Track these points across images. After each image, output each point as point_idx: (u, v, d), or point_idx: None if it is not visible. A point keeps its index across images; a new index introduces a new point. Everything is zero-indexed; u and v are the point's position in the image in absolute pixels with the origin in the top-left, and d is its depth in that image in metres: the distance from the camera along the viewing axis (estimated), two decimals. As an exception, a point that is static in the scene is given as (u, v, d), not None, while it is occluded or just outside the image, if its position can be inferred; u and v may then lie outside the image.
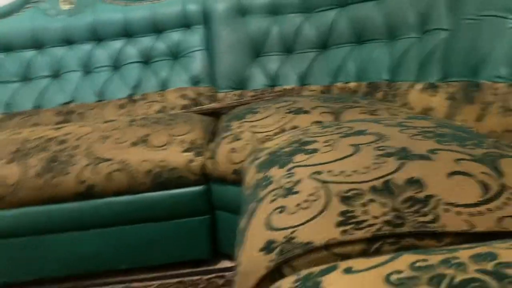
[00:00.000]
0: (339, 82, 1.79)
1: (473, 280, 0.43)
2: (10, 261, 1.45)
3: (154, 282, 1.44)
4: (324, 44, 1.87)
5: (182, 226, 1.45)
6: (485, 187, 0.67)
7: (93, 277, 1.49)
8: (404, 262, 0.50)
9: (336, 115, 1.32)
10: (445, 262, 0.48)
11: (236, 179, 1.36)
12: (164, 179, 1.41)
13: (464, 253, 0.50)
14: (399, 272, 0.47)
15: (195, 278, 1.43)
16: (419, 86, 1.45)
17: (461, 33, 1.32)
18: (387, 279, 0.47)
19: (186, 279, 1.43)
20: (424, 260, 0.49)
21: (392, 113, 1.33)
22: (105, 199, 1.41)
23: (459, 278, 0.44)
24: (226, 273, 1.43)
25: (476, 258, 0.47)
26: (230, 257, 1.54)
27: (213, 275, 1.43)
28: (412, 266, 0.48)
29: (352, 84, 1.76)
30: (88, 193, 1.40)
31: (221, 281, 1.39)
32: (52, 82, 2.02)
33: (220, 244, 1.51)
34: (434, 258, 0.49)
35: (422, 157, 0.76)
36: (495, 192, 0.66)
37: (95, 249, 1.43)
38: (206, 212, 1.46)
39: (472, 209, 0.64)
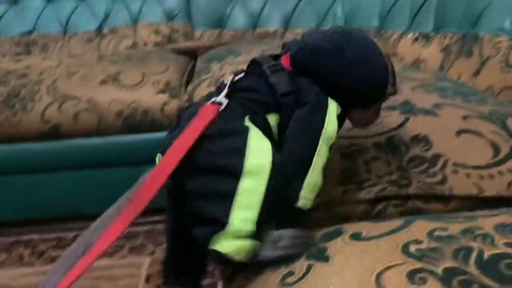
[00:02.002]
0: (326, 27, 1.69)
1: (504, 255, 0.38)
2: (-33, 202, 1.35)
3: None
4: (311, -15, 1.75)
5: (154, 171, 1.38)
6: (496, 147, 0.62)
7: (60, 222, 1.41)
8: (419, 229, 0.45)
9: (323, 61, 1.24)
10: (467, 231, 0.43)
11: (214, 125, 1.28)
12: (136, 121, 1.32)
13: (485, 222, 0.45)
14: (417, 242, 0.42)
15: (167, 225, 1.38)
16: (411, 35, 1.38)
17: (461, -19, 1.24)
18: (405, 249, 0.41)
19: (157, 226, 1.38)
20: (443, 229, 0.44)
21: (383, 62, 1.26)
22: (72, 140, 1.31)
23: (488, 252, 0.39)
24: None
25: (502, 229, 0.43)
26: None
27: (186, 222, 1.39)
28: (431, 235, 0.43)
29: (338, 30, 1.67)
30: (53, 133, 1.29)
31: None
32: (10, 9, 1.82)
33: (194, 191, 1.45)
34: (454, 227, 0.44)
35: (427, 112, 0.70)
36: (506, 154, 0.61)
37: (61, 192, 1.35)
38: (180, 157, 1.39)
39: (482, 171, 0.60)
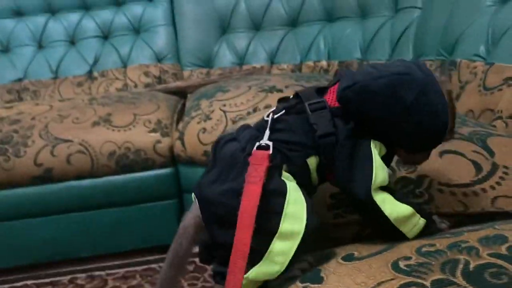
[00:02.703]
0: (310, 61, 1.75)
1: (489, 265, 0.40)
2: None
3: (119, 270, 1.37)
4: (294, 21, 1.81)
5: (148, 210, 1.38)
6: (478, 166, 0.65)
7: (54, 266, 1.40)
8: (408, 247, 0.47)
9: (310, 94, 1.27)
10: (454, 246, 0.45)
11: (206, 160, 1.30)
12: (129, 161, 1.33)
13: (470, 236, 0.47)
14: (406, 258, 0.44)
15: (163, 264, 1.37)
16: (391, 65, 1.43)
17: (436, 11, 1.31)
18: (394, 266, 0.43)
19: (153, 265, 1.37)
20: (430, 245, 0.46)
21: (367, 92, 1.30)
22: (65, 183, 1.32)
23: (474, 263, 0.41)
24: (196, 259, 1.38)
25: (485, 241, 0.45)
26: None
27: (182, 260, 1.38)
28: (419, 252, 0.45)
29: (323, 63, 1.72)
30: (46, 176, 1.30)
31: (191, 267, 1.34)
32: (1, 57, 1.86)
33: (188, 228, 1.45)
34: (441, 242, 0.46)
35: (410, 135, 0.73)
36: (487, 171, 0.64)
37: (55, 236, 1.34)
38: (174, 195, 1.40)
39: (466, 189, 0.62)
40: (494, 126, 0.90)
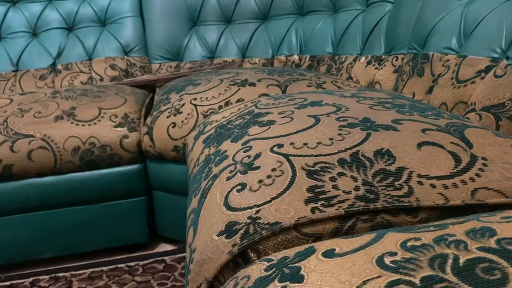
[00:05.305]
0: (282, 55, 1.72)
1: (479, 260, 0.38)
2: None
3: (85, 271, 1.31)
4: (265, 15, 1.78)
5: (116, 208, 1.33)
6: (456, 157, 0.63)
7: (15, 268, 1.33)
8: (392, 241, 0.45)
9: (283, 87, 1.25)
10: (441, 240, 0.42)
11: (176, 156, 1.26)
12: (94, 157, 1.28)
13: (456, 229, 0.45)
14: (392, 253, 0.41)
15: (131, 264, 1.32)
16: (364, 59, 1.42)
17: (407, 5, 1.30)
18: (379, 262, 0.41)
19: (121, 265, 1.32)
20: (416, 239, 0.44)
21: (340, 86, 1.29)
22: (27, 180, 1.25)
23: (463, 258, 0.38)
24: (166, 257, 1.33)
25: (473, 234, 0.43)
26: (170, 240, 1.44)
27: (152, 260, 1.33)
28: (404, 246, 0.42)
29: (295, 57, 1.70)
30: (6, 174, 1.23)
31: (160, 266, 1.29)
32: (-43, 48, 1.76)
33: (158, 227, 1.41)
34: (426, 236, 0.44)
35: (387, 127, 0.71)
36: (466, 163, 0.63)
37: (16, 236, 1.27)
38: (142, 192, 1.35)
39: (445, 181, 0.60)
40: (468, 118, 0.90)
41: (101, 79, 1.78)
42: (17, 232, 1.27)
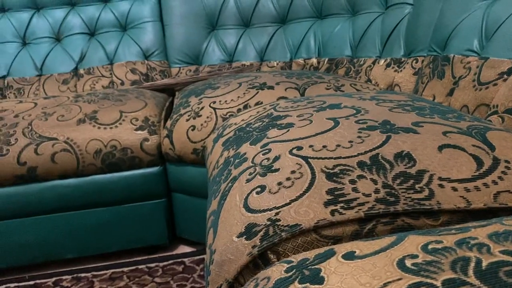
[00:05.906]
0: (300, 58, 1.73)
1: (502, 263, 0.38)
2: None
3: (106, 271, 1.33)
4: (283, 18, 1.79)
5: (136, 210, 1.35)
6: (478, 160, 0.63)
7: (38, 268, 1.36)
8: (413, 244, 0.44)
9: (301, 90, 1.25)
10: (463, 243, 0.42)
11: (196, 159, 1.27)
12: (115, 159, 1.30)
13: (478, 232, 0.44)
14: (413, 256, 0.41)
15: (151, 265, 1.33)
16: (383, 62, 1.42)
17: (427, 7, 1.29)
18: (400, 264, 0.40)
19: (141, 266, 1.34)
20: (437, 241, 0.43)
21: (359, 88, 1.28)
22: (50, 182, 1.28)
23: (486, 261, 0.38)
24: (186, 259, 1.35)
25: (496, 237, 0.42)
26: (189, 242, 1.45)
27: (171, 261, 1.35)
28: (426, 249, 0.42)
29: (313, 60, 1.70)
30: (30, 176, 1.26)
31: (180, 267, 1.31)
32: (-16, 54, 1.81)
33: (177, 229, 1.42)
34: (448, 239, 0.44)
35: (407, 130, 0.71)
36: (489, 166, 0.62)
37: (39, 237, 1.30)
38: (162, 195, 1.36)
39: (467, 184, 0.60)
40: (490, 121, 0.88)
41: (122, 83, 1.81)
42: (41, 233, 1.30)
